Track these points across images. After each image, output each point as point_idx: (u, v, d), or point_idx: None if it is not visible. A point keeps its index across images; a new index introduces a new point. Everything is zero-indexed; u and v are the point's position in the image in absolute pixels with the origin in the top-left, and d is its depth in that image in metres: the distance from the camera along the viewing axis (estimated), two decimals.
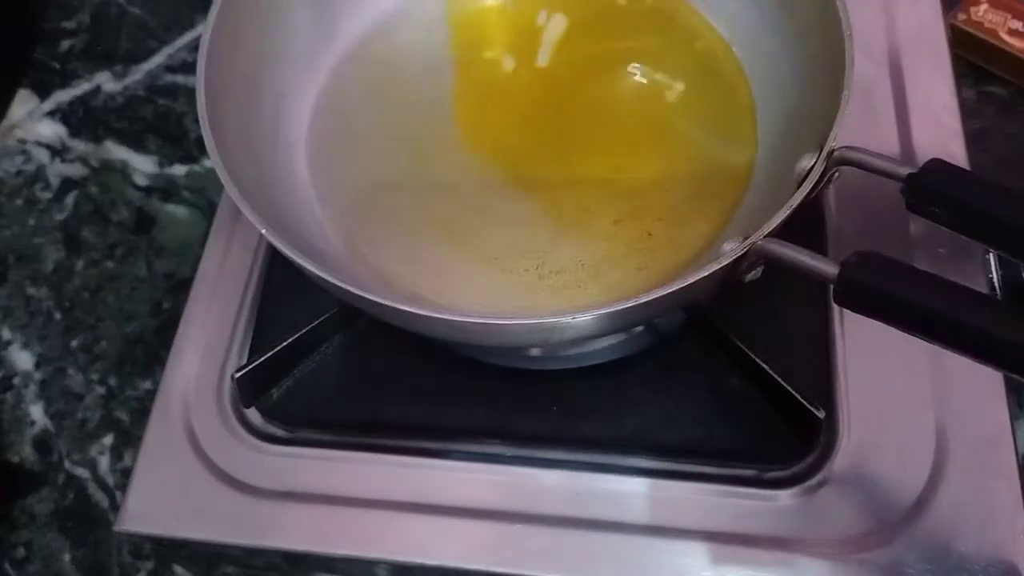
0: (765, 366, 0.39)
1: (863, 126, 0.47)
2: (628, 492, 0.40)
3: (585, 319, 0.32)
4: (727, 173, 0.43)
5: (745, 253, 0.32)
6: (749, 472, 0.40)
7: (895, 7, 0.51)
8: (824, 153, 0.34)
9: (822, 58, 0.38)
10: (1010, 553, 0.36)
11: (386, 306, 0.33)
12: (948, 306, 0.28)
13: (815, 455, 0.39)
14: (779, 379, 0.38)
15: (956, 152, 0.46)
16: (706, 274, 0.31)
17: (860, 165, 0.33)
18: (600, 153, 0.46)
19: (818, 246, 0.43)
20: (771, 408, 0.40)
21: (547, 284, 0.42)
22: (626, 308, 0.31)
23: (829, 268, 0.30)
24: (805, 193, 0.33)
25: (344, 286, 0.33)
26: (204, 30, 0.40)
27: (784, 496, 0.39)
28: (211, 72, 0.39)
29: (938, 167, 0.32)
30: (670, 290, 0.31)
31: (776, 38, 0.43)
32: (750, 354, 0.39)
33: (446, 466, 0.41)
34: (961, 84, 0.49)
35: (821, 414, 0.37)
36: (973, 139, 0.48)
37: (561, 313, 0.32)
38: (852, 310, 0.30)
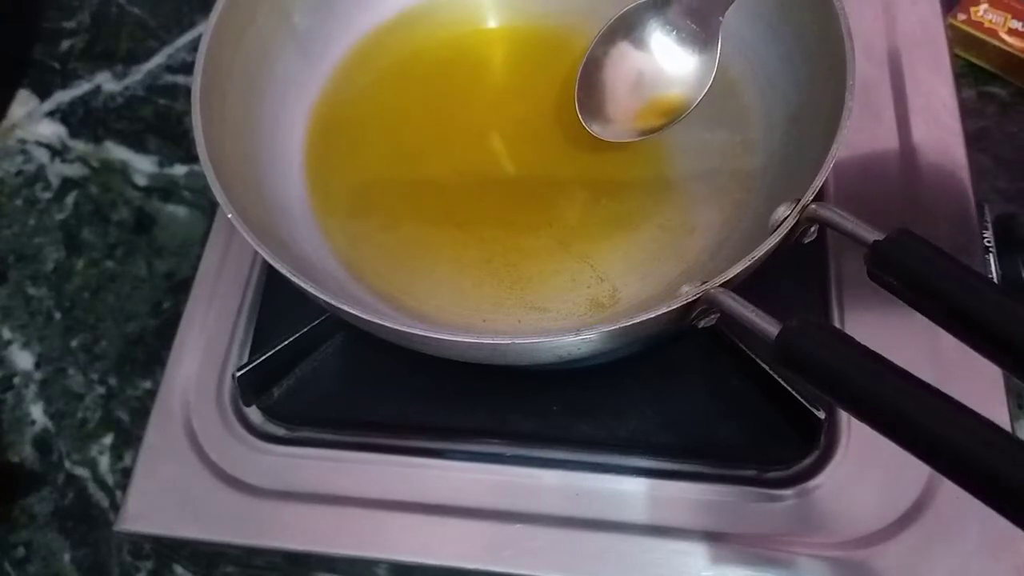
0: (766, 366, 0.39)
1: (863, 126, 0.47)
2: (628, 492, 0.40)
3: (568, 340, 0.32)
4: (718, 202, 0.43)
5: (696, 300, 0.32)
6: (749, 472, 0.40)
7: (895, 7, 0.51)
8: (798, 207, 0.33)
9: (822, 109, 0.37)
10: (1010, 553, 0.36)
11: (350, 312, 0.33)
12: (879, 388, 0.26)
13: (815, 455, 0.39)
14: (779, 379, 0.38)
15: (956, 152, 0.46)
16: (653, 315, 0.31)
17: (829, 225, 0.33)
18: (592, 170, 0.45)
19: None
20: (771, 408, 0.40)
21: (539, 296, 0.41)
22: (569, 339, 0.31)
23: (770, 328, 0.29)
24: (769, 247, 0.32)
25: (323, 296, 0.33)
26: (203, 36, 0.40)
27: (784, 496, 0.39)
28: (208, 78, 0.39)
29: (905, 239, 0.30)
30: (613, 327, 0.31)
31: (788, 78, 0.42)
32: (751, 354, 0.39)
33: (446, 466, 0.41)
34: (961, 84, 0.49)
35: (821, 414, 0.37)
36: (973, 139, 0.48)
37: (507, 336, 0.32)
38: (788, 373, 0.29)
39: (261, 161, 0.43)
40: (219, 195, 0.35)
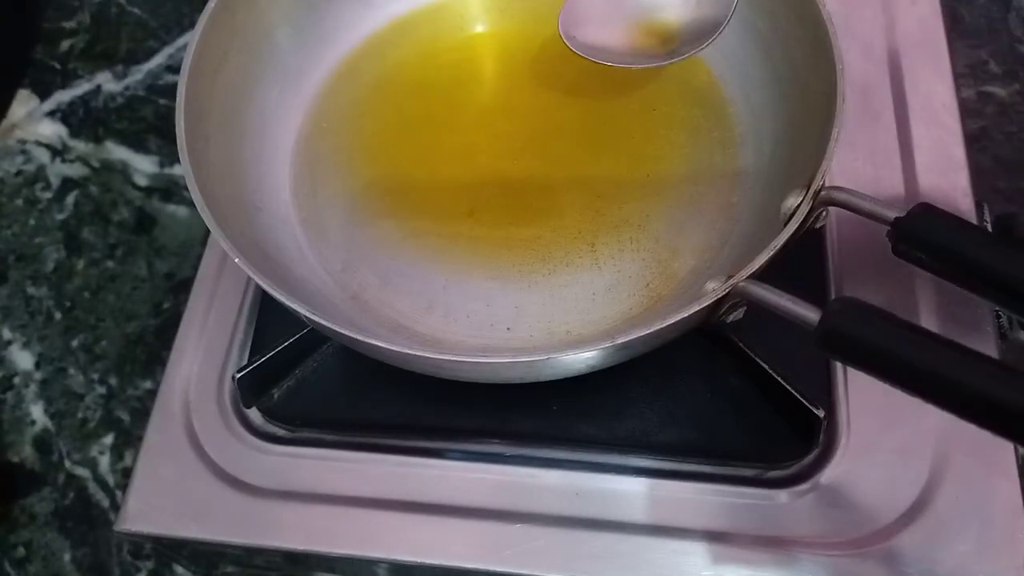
0: (765, 365, 0.39)
1: (863, 126, 0.47)
2: (628, 492, 0.40)
3: (567, 357, 0.31)
4: (716, 199, 0.42)
5: (727, 294, 0.31)
6: (749, 472, 0.40)
7: (894, 7, 0.51)
8: (811, 193, 0.33)
9: (813, 93, 0.37)
10: (1010, 553, 0.36)
11: (322, 325, 0.33)
12: (934, 361, 0.27)
13: (815, 455, 0.39)
14: (779, 379, 0.38)
15: (956, 152, 0.46)
16: (686, 315, 0.31)
17: (846, 206, 0.33)
18: (590, 175, 0.45)
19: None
20: (771, 408, 0.40)
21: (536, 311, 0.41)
22: (605, 348, 0.31)
23: (811, 314, 0.29)
24: (790, 234, 0.32)
25: (309, 314, 0.33)
26: (187, 51, 0.39)
27: (784, 496, 0.39)
28: (192, 92, 0.39)
29: (926, 212, 0.31)
30: (648, 331, 0.31)
31: (768, 70, 0.42)
32: (750, 354, 0.39)
33: (446, 466, 0.41)
34: (961, 84, 0.49)
35: (821, 413, 0.37)
36: (973, 139, 0.48)
37: (532, 352, 0.31)
38: (834, 358, 0.29)
39: (249, 184, 0.43)
40: (214, 228, 0.34)
